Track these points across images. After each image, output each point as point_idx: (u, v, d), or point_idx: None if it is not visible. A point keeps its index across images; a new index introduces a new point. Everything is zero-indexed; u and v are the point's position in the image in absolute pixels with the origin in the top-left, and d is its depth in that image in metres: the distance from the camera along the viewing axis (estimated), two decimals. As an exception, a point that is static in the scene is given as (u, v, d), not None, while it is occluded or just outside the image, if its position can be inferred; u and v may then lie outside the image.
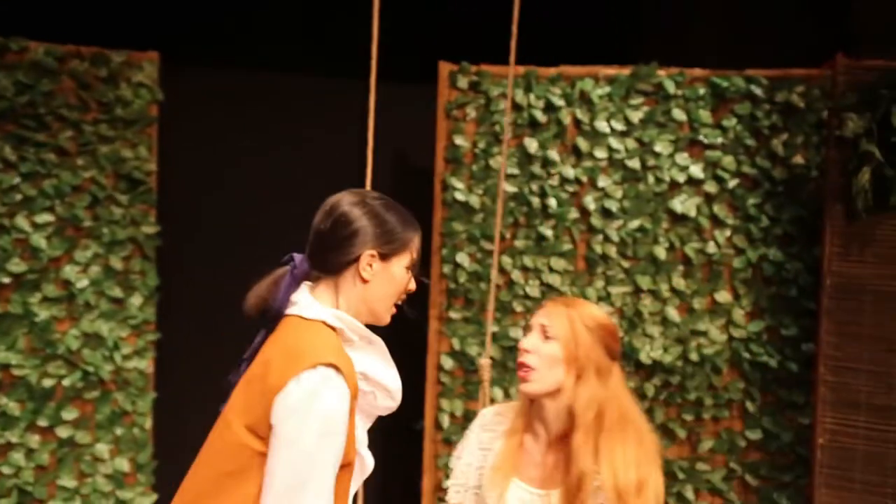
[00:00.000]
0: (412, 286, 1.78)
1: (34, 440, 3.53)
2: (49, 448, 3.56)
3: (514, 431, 2.00)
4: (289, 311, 1.72)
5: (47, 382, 3.55)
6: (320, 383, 1.59)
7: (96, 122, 3.60)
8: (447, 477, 2.18)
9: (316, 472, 1.58)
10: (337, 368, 1.60)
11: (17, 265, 3.49)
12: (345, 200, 1.76)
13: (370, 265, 1.72)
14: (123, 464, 3.66)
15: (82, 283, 3.60)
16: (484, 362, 3.58)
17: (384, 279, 1.74)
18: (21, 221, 3.50)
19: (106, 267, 3.65)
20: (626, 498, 1.88)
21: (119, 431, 3.67)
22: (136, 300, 3.69)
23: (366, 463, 1.78)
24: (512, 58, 3.25)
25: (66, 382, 3.58)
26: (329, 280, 1.74)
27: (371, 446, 1.97)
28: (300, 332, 1.67)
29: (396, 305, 1.78)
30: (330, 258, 1.73)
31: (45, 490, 3.55)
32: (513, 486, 1.97)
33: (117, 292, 3.65)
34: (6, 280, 3.48)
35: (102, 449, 3.64)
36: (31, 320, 3.52)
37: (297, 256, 1.77)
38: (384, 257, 1.73)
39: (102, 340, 3.63)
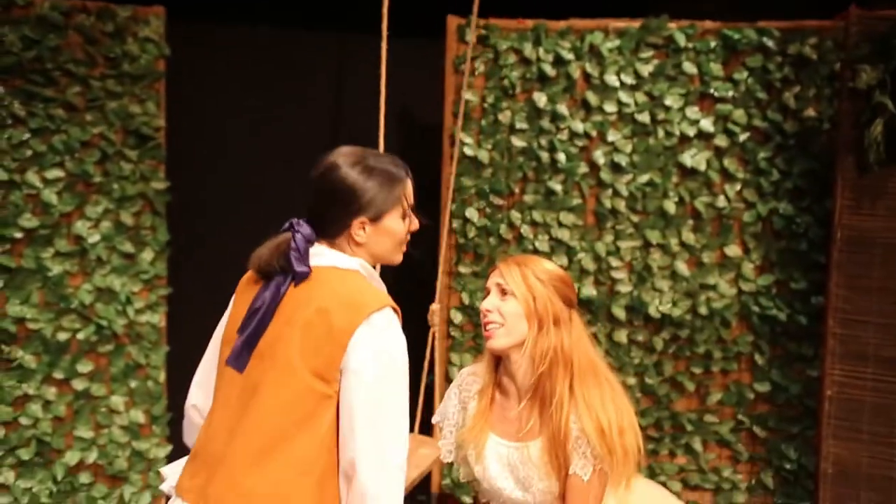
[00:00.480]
0: (414, 226, 1.89)
1: (51, 392, 3.60)
2: (65, 400, 3.62)
3: (485, 389, 2.08)
4: (316, 263, 1.80)
5: (62, 336, 3.60)
6: (390, 324, 1.74)
7: (104, 77, 3.59)
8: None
9: (397, 405, 1.70)
10: (395, 310, 1.77)
11: (28, 220, 3.52)
12: (339, 164, 1.83)
13: (362, 229, 1.82)
14: (139, 415, 3.73)
15: (94, 238, 3.63)
16: (433, 307, 3.65)
17: (380, 236, 1.84)
18: (32, 177, 3.52)
19: (117, 222, 3.67)
20: (610, 440, 1.92)
21: (133, 384, 3.72)
22: (147, 255, 3.72)
23: None
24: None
25: (80, 336, 3.63)
26: (330, 239, 1.84)
27: None
28: (347, 281, 1.78)
29: (408, 246, 1.91)
30: (326, 226, 1.83)
31: (62, 441, 3.62)
32: (490, 441, 2.02)
33: (128, 247, 3.68)
34: (18, 235, 3.51)
35: (117, 401, 3.70)
36: (44, 275, 3.56)
37: (296, 221, 1.84)
38: (374, 220, 1.83)
39: (115, 295, 3.67)
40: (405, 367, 1.73)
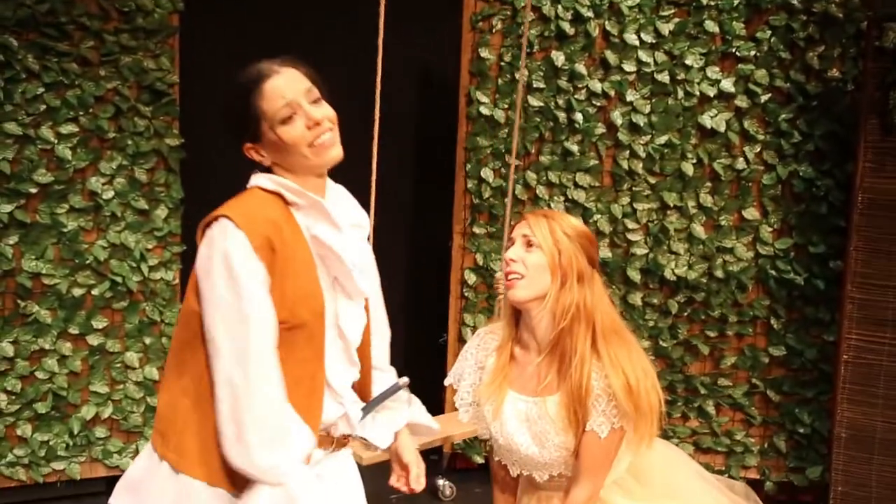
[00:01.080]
0: (314, 116, 1.66)
1: (66, 347, 3.62)
2: (81, 355, 3.64)
3: (504, 345, 2.05)
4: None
5: (77, 292, 3.61)
6: (217, 234, 1.60)
7: (118, 31, 3.56)
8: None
9: (217, 299, 1.58)
10: (229, 218, 1.59)
11: (43, 176, 3.52)
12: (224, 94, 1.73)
13: (257, 154, 1.70)
14: (153, 372, 3.75)
15: (108, 194, 3.62)
16: (500, 275, 3.60)
17: (274, 151, 1.68)
18: (46, 132, 3.51)
19: (131, 178, 3.66)
20: (636, 398, 1.90)
21: (148, 340, 3.74)
22: (161, 212, 3.72)
23: (346, 337, 1.75)
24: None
25: (95, 292, 3.64)
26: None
27: (395, 359, 1.99)
28: (232, 199, 1.69)
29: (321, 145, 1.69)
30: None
31: (78, 395, 3.65)
32: (508, 397, 2.00)
33: (143, 204, 3.68)
34: (33, 190, 3.51)
35: (132, 357, 3.72)
36: (59, 230, 3.56)
37: None
38: (255, 140, 1.69)
39: (129, 252, 3.67)
40: (236, 275, 1.57)
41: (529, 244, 1.97)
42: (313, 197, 1.68)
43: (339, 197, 1.81)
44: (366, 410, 1.82)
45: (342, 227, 1.72)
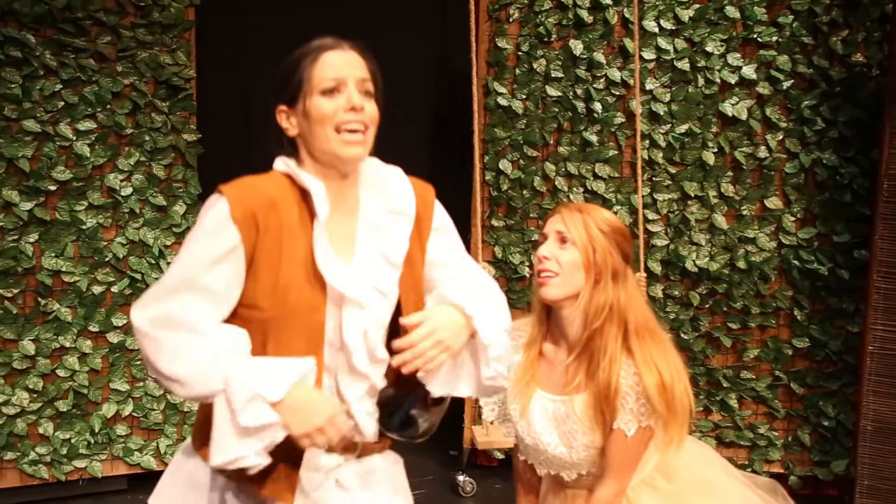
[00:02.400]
0: (352, 103, 1.60)
1: (86, 345, 3.62)
2: (101, 353, 3.65)
3: (533, 342, 2.00)
4: None
5: (97, 289, 3.61)
6: (205, 204, 1.61)
7: (134, 26, 3.55)
8: None
9: (182, 252, 1.59)
10: (220, 192, 1.58)
11: (62, 173, 3.52)
12: None
13: (286, 119, 1.65)
14: (173, 369, 3.74)
15: (126, 190, 3.62)
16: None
17: (304, 119, 1.62)
18: (64, 129, 3.51)
19: (149, 175, 3.66)
20: (670, 397, 1.86)
21: (168, 337, 3.74)
22: (179, 208, 3.71)
23: (347, 347, 1.63)
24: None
25: (114, 289, 3.64)
26: (290, 148, 1.68)
27: None
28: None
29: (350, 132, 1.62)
30: (274, 131, 1.68)
31: (99, 393, 3.65)
32: (536, 396, 1.96)
33: (160, 200, 3.67)
34: (52, 187, 3.51)
35: (152, 354, 3.71)
36: (78, 227, 3.57)
37: None
38: (291, 103, 1.64)
39: (148, 248, 3.67)
40: (201, 235, 1.57)
41: (563, 240, 1.91)
42: (311, 184, 1.61)
43: (379, 181, 1.71)
44: (388, 418, 1.72)
45: (322, 219, 1.61)
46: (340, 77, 1.61)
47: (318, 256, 1.59)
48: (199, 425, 1.68)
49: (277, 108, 1.66)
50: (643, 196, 3.81)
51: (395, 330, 1.68)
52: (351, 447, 1.68)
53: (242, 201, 1.56)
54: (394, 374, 1.71)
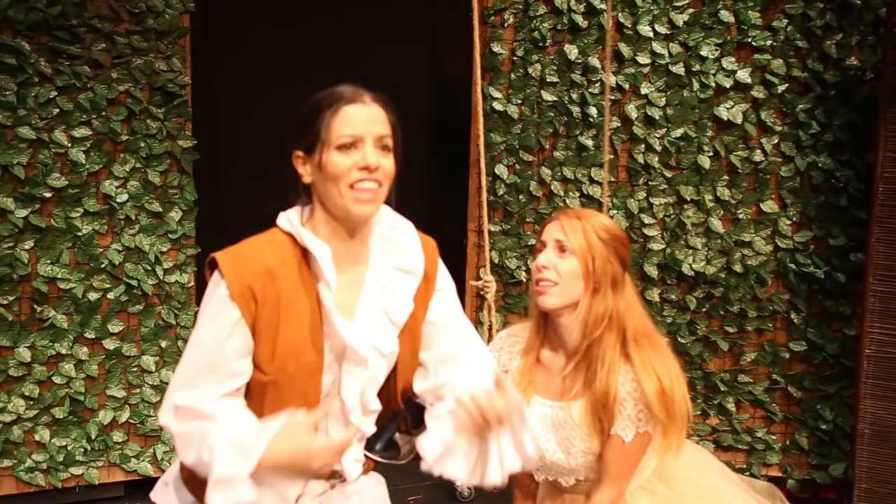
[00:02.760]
0: (367, 161, 1.59)
1: (83, 352, 3.61)
2: (97, 359, 3.64)
3: (530, 349, 1.99)
4: None
5: (92, 296, 3.61)
6: (210, 279, 1.63)
7: (129, 33, 3.55)
8: None
9: (190, 344, 1.63)
10: (218, 263, 1.60)
11: (57, 180, 3.52)
12: None
13: (302, 165, 1.64)
14: (169, 375, 3.74)
15: (122, 197, 3.62)
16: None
17: (319, 175, 1.61)
18: (59, 136, 3.51)
19: (145, 181, 3.65)
20: (669, 403, 1.86)
21: (164, 344, 3.73)
22: (175, 214, 3.71)
23: (344, 402, 1.66)
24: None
25: (110, 296, 3.63)
26: (305, 198, 1.68)
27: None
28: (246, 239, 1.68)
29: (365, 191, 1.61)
30: (290, 175, 1.67)
31: (95, 400, 3.65)
32: (534, 402, 1.95)
33: (156, 207, 3.67)
34: (48, 194, 3.51)
35: (149, 361, 3.71)
36: (73, 234, 3.56)
37: None
38: (308, 152, 1.63)
39: (144, 255, 3.66)
40: (205, 316, 1.60)
41: (562, 249, 1.90)
42: (312, 246, 1.61)
43: (390, 236, 1.71)
44: (372, 441, 1.75)
45: (331, 286, 1.61)
46: (358, 134, 1.60)
47: (326, 313, 1.61)
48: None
49: (294, 154, 1.64)
50: (639, 201, 3.82)
51: (386, 383, 1.72)
52: (335, 474, 1.71)
53: (238, 277, 1.57)
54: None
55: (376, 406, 1.70)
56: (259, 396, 1.61)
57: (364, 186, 1.59)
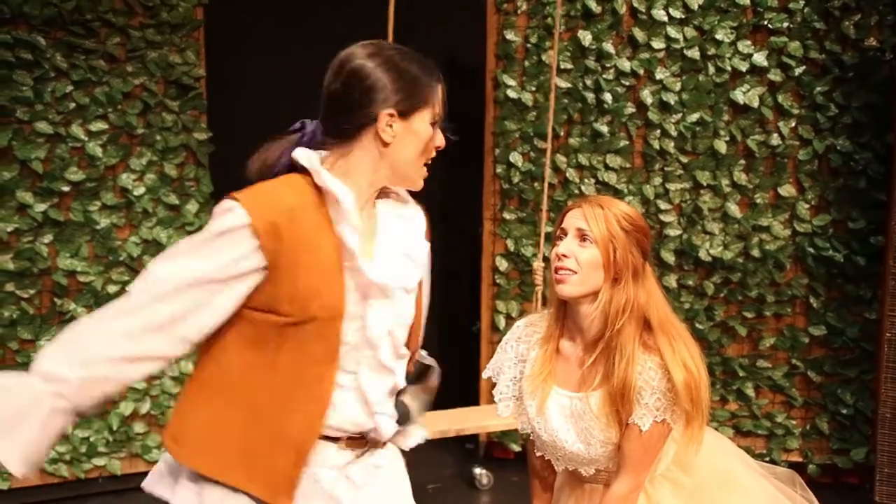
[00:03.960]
0: (440, 142, 1.65)
1: (103, 344, 3.64)
2: (117, 352, 3.66)
3: (549, 338, 1.97)
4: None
5: (112, 288, 3.64)
6: (218, 211, 1.55)
7: (143, 27, 3.57)
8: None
9: (183, 243, 1.55)
10: (235, 199, 1.52)
11: (75, 174, 3.54)
12: (357, 54, 1.61)
13: (390, 125, 1.59)
14: (189, 367, 3.76)
15: (139, 190, 3.64)
16: (537, 266, 3.55)
17: (407, 139, 1.60)
18: (76, 130, 3.53)
19: (161, 174, 3.68)
20: (696, 393, 1.84)
21: (183, 335, 3.76)
22: (191, 207, 3.73)
23: (374, 343, 1.63)
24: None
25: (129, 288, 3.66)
26: (345, 146, 1.61)
27: (428, 348, 1.93)
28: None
29: (427, 168, 1.67)
30: (343, 121, 1.59)
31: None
32: (552, 393, 1.94)
33: (173, 199, 3.69)
34: (66, 188, 3.54)
35: (168, 352, 3.73)
36: (92, 228, 3.59)
37: (309, 122, 1.66)
38: (404, 115, 1.59)
39: (162, 247, 3.68)
40: (206, 240, 1.52)
41: (583, 238, 1.86)
42: (336, 189, 1.57)
43: (399, 218, 1.71)
44: (403, 404, 1.75)
45: (356, 226, 1.59)
46: (440, 115, 1.65)
47: (350, 254, 1.57)
48: (191, 437, 1.63)
49: (385, 112, 1.58)
50: (655, 186, 3.80)
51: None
52: (361, 444, 1.68)
53: (265, 214, 1.51)
54: None
55: (405, 351, 1.68)
56: (277, 340, 1.57)
57: (428, 162, 1.66)
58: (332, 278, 1.58)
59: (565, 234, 1.90)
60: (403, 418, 1.74)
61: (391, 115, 1.59)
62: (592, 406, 1.88)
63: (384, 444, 1.73)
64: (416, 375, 1.79)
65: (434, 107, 1.62)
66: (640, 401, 1.84)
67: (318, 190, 1.58)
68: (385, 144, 1.61)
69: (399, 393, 1.74)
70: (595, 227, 1.85)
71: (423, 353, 1.81)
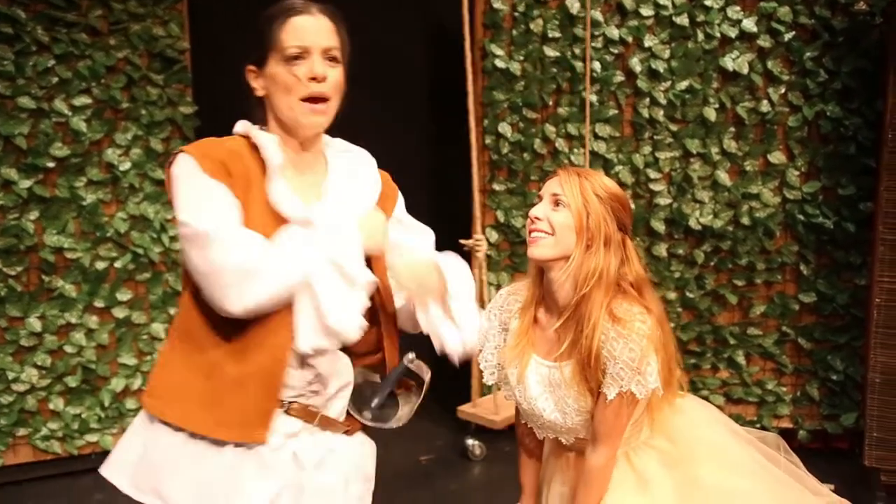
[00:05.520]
0: (308, 72, 1.62)
1: (93, 321, 3.64)
2: (108, 328, 3.66)
3: (528, 307, 1.98)
4: None
5: (100, 265, 3.62)
6: (171, 167, 1.63)
7: (125, -1, 3.52)
8: None
9: (179, 199, 1.59)
10: (182, 151, 1.62)
11: (59, 149, 3.51)
12: None
13: (254, 79, 1.67)
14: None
15: (125, 165, 3.61)
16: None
17: (272, 87, 1.65)
18: (60, 105, 3.50)
19: (147, 149, 3.64)
20: (668, 374, 1.87)
21: (172, 311, 3.75)
22: (179, 182, 3.70)
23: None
24: None
25: (117, 264, 3.64)
26: (259, 111, 1.70)
27: None
28: None
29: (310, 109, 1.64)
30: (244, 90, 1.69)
31: (107, 368, 3.68)
32: (531, 362, 1.95)
33: (159, 174, 3.66)
34: (51, 164, 3.50)
35: (158, 328, 3.73)
36: (78, 204, 3.56)
37: None
38: (259, 64, 1.65)
39: (149, 223, 3.67)
40: (180, 187, 1.59)
41: (557, 203, 1.88)
42: (260, 139, 1.64)
43: (345, 149, 1.77)
44: (363, 400, 1.74)
45: (274, 163, 1.63)
46: (305, 45, 1.63)
47: (273, 196, 1.61)
48: (168, 390, 1.66)
49: (247, 68, 1.67)
50: (644, 155, 3.78)
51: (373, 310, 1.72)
52: (311, 415, 1.69)
53: (210, 155, 1.60)
54: (377, 360, 1.75)
55: (365, 280, 1.66)
56: None
57: (313, 97, 1.63)
58: (276, 216, 1.62)
59: (541, 200, 1.92)
60: (388, 416, 1.75)
61: (251, 71, 1.67)
62: (565, 375, 1.89)
63: (344, 428, 1.73)
64: (409, 376, 1.79)
65: (282, 44, 1.63)
66: (605, 371, 1.85)
67: (256, 147, 1.66)
68: (263, 98, 1.67)
69: (396, 385, 1.75)
70: (569, 192, 1.87)
71: (415, 359, 1.79)
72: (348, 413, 1.73)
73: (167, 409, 1.64)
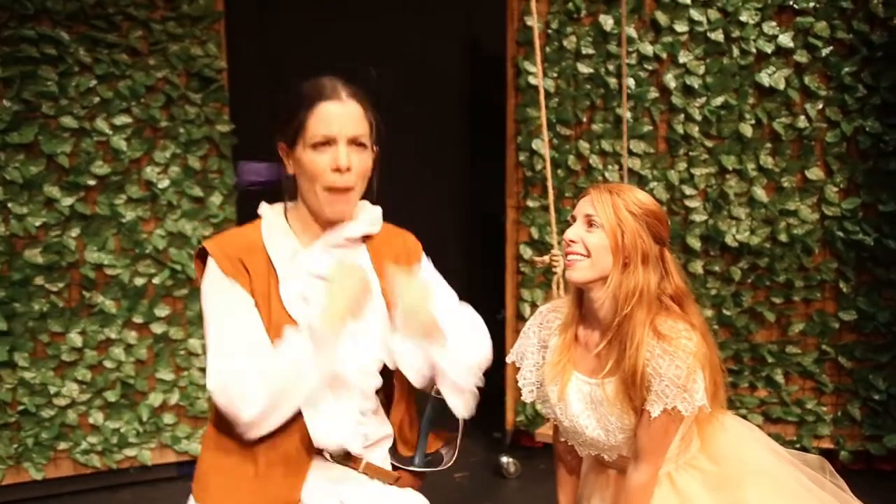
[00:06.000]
0: (330, 163, 1.64)
1: (131, 336, 3.69)
2: (146, 343, 3.71)
3: (568, 324, 1.97)
4: None
5: (139, 281, 3.67)
6: (198, 267, 1.73)
7: (164, 19, 3.59)
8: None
9: (210, 326, 1.67)
10: (202, 249, 1.70)
11: (100, 168, 3.58)
12: None
13: (285, 157, 1.70)
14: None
15: (163, 183, 3.67)
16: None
17: (298, 170, 1.68)
18: (101, 124, 3.57)
19: (185, 167, 3.70)
20: (715, 390, 1.84)
21: (209, 326, 3.78)
22: (215, 199, 3.75)
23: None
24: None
25: (156, 280, 3.69)
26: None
27: None
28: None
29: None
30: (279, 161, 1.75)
31: (145, 383, 3.72)
32: (572, 379, 1.94)
33: (197, 191, 3.71)
34: (92, 182, 3.57)
35: (195, 343, 3.77)
36: (118, 221, 3.63)
37: None
38: (290, 144, 1.67)
39: (187, 239, 3.72)
40: (206, 293, 1.69)
41: (591, 223, 1.86)
42: (269, 248, 1.69)
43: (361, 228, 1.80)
44: (416, 455, 1.81)
45: (281, 277, 1.69)
46: (331, 135, 1.63)
47: (283, 299, 1.67)
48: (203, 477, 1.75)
49: (279, 144, 1.70)
50: (680, 172, 3.75)
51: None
52: (350, 458, 1.73)
53: (226, 254, 1.65)
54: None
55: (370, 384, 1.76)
56: None
57: (337, 188, 1.66)
58: (286, 312, 1.68)
59: (575, 221, 1.90)
60: (435, 463, 1.81)
61: (281, 148, 1.70)
62: (608, 393, 1.88)
63: (392, 479, 1.77)
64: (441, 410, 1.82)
65: (309, 131, 1.64)
66: (650, 388, 1.83)
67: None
68: (293, 176, 1.71)
69: (442, 439, 1.80)
70: (602, 212, 1.85)
71: (440, 391, 1.83)
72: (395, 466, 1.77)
73: (199, 494, 1.73)
